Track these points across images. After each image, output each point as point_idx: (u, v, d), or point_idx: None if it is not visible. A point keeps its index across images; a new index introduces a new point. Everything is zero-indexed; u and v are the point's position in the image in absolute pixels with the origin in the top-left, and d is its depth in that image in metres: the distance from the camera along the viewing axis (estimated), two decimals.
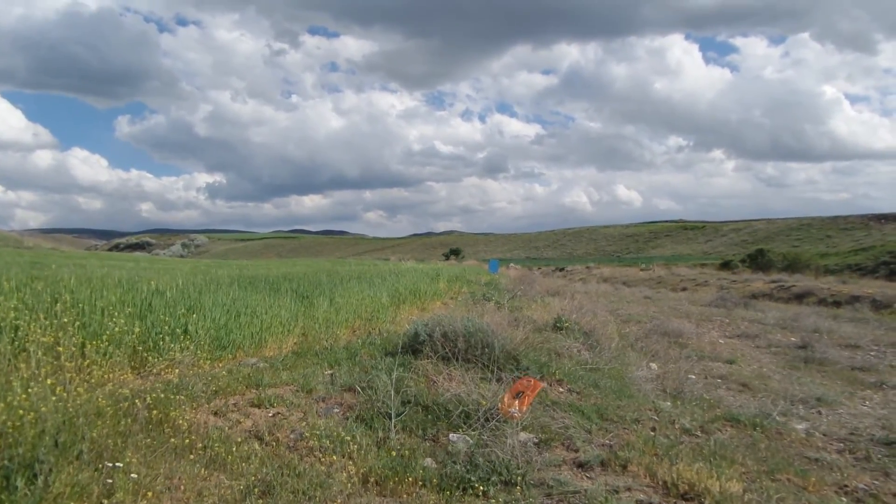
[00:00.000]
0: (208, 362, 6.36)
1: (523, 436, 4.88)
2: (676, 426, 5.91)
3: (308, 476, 3.86)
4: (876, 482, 5.06)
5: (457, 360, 5.99)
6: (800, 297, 30.24)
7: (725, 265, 54.98)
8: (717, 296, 23.74)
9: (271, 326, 7.59)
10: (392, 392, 4.94)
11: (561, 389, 6.21)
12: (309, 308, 9.10)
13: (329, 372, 5.98)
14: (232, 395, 5.37)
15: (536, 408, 5.56)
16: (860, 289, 30.42)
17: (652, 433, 5.56)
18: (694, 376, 9.58)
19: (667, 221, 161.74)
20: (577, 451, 4.87)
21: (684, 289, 39.50)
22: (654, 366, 9.81)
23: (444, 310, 11.98)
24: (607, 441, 5.19)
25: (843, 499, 4.59)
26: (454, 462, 4.28)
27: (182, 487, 3.47)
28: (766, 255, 48.66)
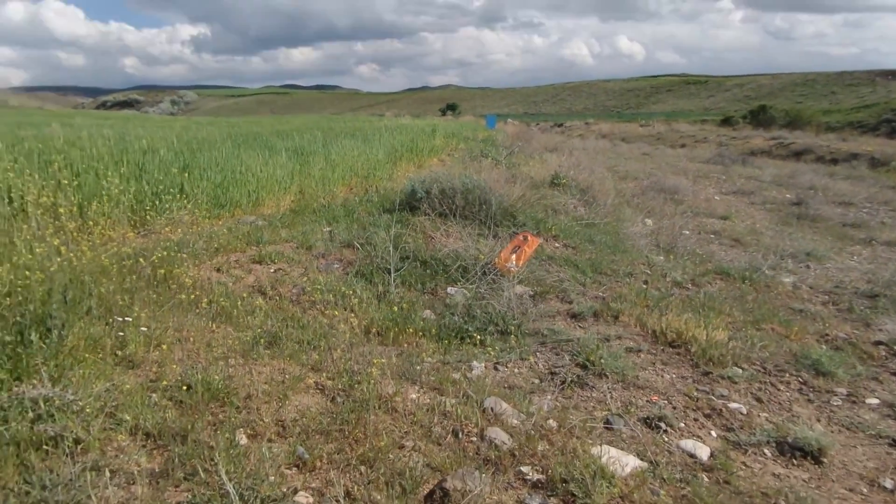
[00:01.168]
0: (207, 221, 6.41)
1: (519, 289, 5.02)
2: (668, 279, 6.08)
3: (312, 327, 4.01)
4: (856, 332, 5.27)
5: (454, 216, 6.03)
6: (798, 155, 30.12)
7: (726, 121, 54.16)
8: (715, 153, 23.61)
9: (268, 185, 7.57)
10: (391, 247, 5.01)
11: (557, 244, 6.31)
12: (305, 166, 9.04)
13: (328, 229, 6.04)
14: (233, 252, 5.45)
15: (532, 262, 5.68)
16: (859, 146, 30.21)
17: (644, 286, 5.72)
18: (688, 232, 9.71)
19: (669, 75, 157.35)
20: (571, 302, 5.04)
21: (683, 145, 39.16)
22: (649, 222, 9.92)
23: (441, 167, 11.92)
24: (600, 293, 5.35)
25: (823, 346, 4.81)
26: (452, 314, 4.44)
27: (191, 339, 3.61)
28: (767, 111, 47.81)
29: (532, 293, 5.03)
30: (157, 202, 6.06)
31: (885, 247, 9.38)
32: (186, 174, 6.81)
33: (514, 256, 5.18)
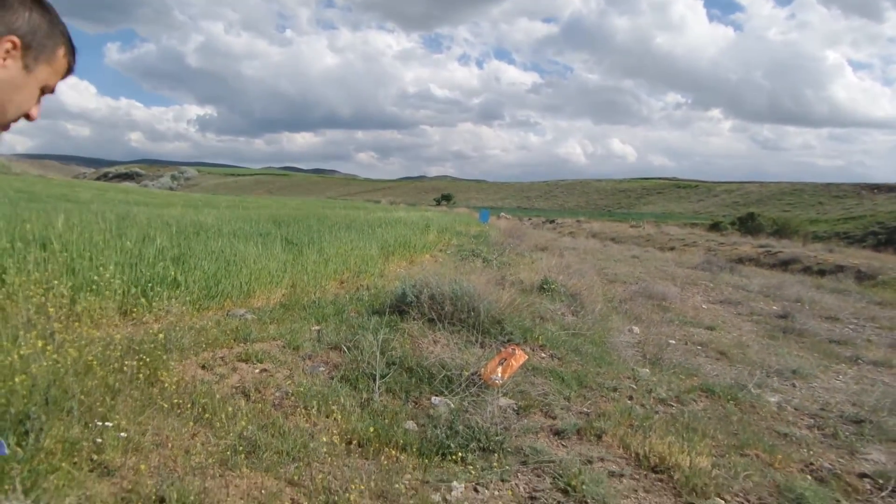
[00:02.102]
0: (197, 313, 6.43)
1: (503, 401, 5.01)
2: (653, 395, 6.07)
3: (292, 436, 3.97)
4: (841, 461, 5.24)
5: (442, 323, 6.08)
6: (786, 264, 30.64)
7: (715, 226, 55.35)
8: (703, 259, 23.98)
9: (260, 277, 7.64)
10: (377, 353, 5.03)
11: (543, 355, 6.34)
12: (298, 257, 9.15)
13: (316, 328, 6.06)
14: (220, 348, 5.45)
15: (518, 373, 5.69)
16: (846, 258, 30.83)
17: (629, 402, 5.72)
18: (674, 341, 9.75)
19: (660, 178, 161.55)
20: (555, 418, 5.02)
21: (672, 248, 39.84)
22: (636, 329, 9.98)
23: (433, 264, 12.06)
24: (585, 409, 5.34)
25: (808, 477, 4.76)
26: (435, 426, 4.40)
27: (170, 445, 3.57)
28: (755, 218, 48.96)
29: (516, 406, 5.02)
30: (150, 292, 6.10)
31: (871, 366, 9.41)
32: (181, 263, 6.89)
33: (500, 369, 5.19)
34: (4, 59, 1.19)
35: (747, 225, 48.47)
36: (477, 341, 5.85)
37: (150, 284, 6.17)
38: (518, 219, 67.46)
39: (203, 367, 4.97)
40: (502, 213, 72.31)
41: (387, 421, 4.39)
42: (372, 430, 4.18)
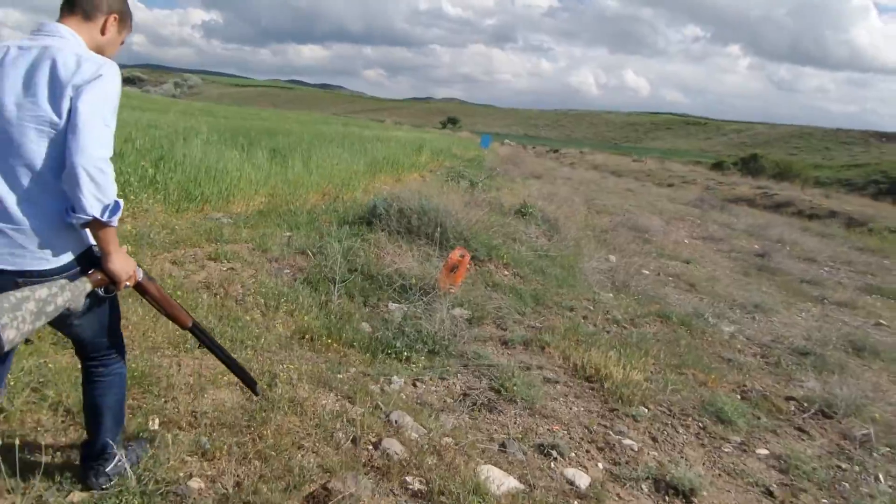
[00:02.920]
0: (175, 213, 6.63)
1: (457, 311, 5.28)
2: (608, 317, 6.35)
3: (248, 328, 4.24)
4: (776, 386, 5.54)
5: (410, 235, 6.30)
6: (780, 206, 30.64)
7: (717, 166, 55.02)
8: (697, 196, 24.07)
9: (240, 183, 7.81)
10: (339, 259, 5.26)
11: (506, 273, 6.59)
12: (282, 168, 9.29)
13: (287, 234, 6.28)
14: (192, 247, 5.68)
15: (477, 287, 5.95)
16: (841, 205, 30.82)
17: (582, 321, 6.00)
18: (648, 272, 9.97)
19: (671, 114, 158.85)
20: (505, 329, 5.30)
21: (671, 185, 39.69)
22: (612, 258, 10.19)
23: (419, 183, 12.19)
24: (536, 324, 5.62)
25: (737, 397, 5.07)
26: (387, 329, 4.68)
27: (131, 327, 3.83)
28: (758, 160, 48.64)
29: (469, 317, 5.29)
30: (126, 189, 6.27)
31: (834, 306, 9.67)
32: (160, 165, 7.05)
33: (452, 275, 5.44)
34: (109, 28, 2.07)
35: (749, 166, 48.20)
36: (440, 255, 6.08)
37: (126, 184, 6.34)
38: (522, 146, 66.77)
39: (173, 263, 5.21)
40: (506, 140, 71.54)
41: (341, 321, 4.66)
42: (324, 327, 4.45)
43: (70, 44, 1.93)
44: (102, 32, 2.07)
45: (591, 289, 7.31)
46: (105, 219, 1.84)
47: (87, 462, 2.42)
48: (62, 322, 2.04)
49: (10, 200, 1.84)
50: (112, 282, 2.03)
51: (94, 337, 2.24)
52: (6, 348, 1.74)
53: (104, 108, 1.86)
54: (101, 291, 2.04)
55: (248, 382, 2.66)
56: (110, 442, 2.37)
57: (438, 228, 6.31)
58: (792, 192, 34.70)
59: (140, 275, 2.15)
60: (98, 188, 1.79)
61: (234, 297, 4.77)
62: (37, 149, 1.83)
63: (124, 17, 2.14)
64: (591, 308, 6.49)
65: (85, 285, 1.97)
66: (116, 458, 2.39)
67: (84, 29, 2.01)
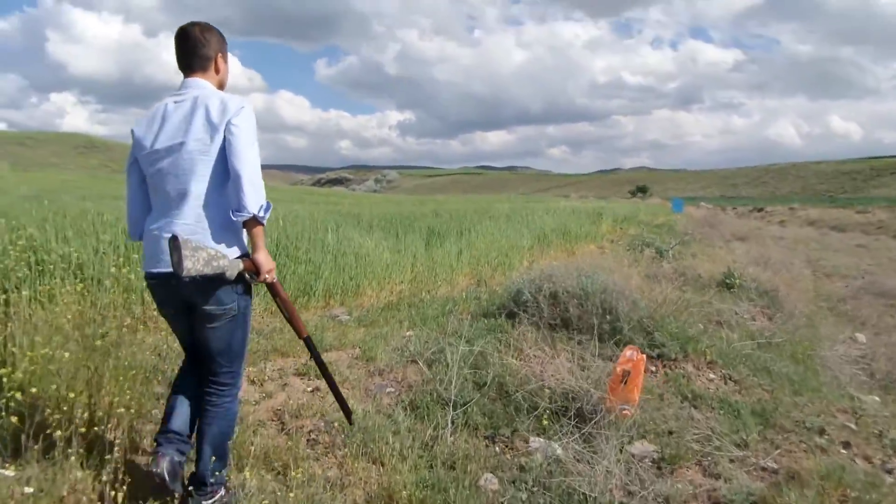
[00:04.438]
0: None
1: (637, 447, 3.46)
2: (885, 441, 4.11)
3: (312, 487, 2.81)
4: None
5: (567, 329, 4.61)
6: None
7: None
8: None
9: (372, 270, 6.65)
10: (455, 370, 3.71)
11: (712, 376, 4.59)
12: (430, 249, 8.09)
13: (408, 333, 4.89)
14: (287, 356, 4.48)
15: (669, 403, 4.06)
16: None
17: (842, 452, 3.85)
18: None
19: (894, 157, 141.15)
20: (717, 477, 3.36)
21: None
22: (861, 338, 7.61)
23: (596, 255, 10.41)
24: (769, 463, 3.59)
25: None
26: (522, 486, 3.01)
27: None
28: None
29: (657, 456, 3.44)
30: None
31: None
32: (277, 256, 6.09)
33: (622, 388, 3.64)
34: (220, 66, 2.58)
35: None
36: (612, 356, 4.31)
37: None
38: (720, 208, 61.77)
39: (251, 382, 4.00)
40: (701, 203, 66.93)
41: (452, 474, 3.07)
42: (423, 484, 2.89)
43: (210, 91, 2.46)
44: (217, 72, 2.57)
45: (844, 391, 5.03)
46: (261, 215, 2.31)
47: (191, 486, 2.54)
48: (202, 324, 2.45)
49: (190, 214, 2.35)
50: (256, 271, 2.39)
51: (220, 352, 2.52)
52: (184, 273, 2.12)
53: (249, 133, 2.35)
54: (247, 276, 2.40)
55: (346, 410, 3.01)
56: (208, 474, 2.48)
57: (607, 316, 4.55)
58: None
59: (276, 277, 2.52)
60: (255, 191, 2.27)
61: (308, 435, 3.40)
62: (204, 172, 2.34)
63: (224, 49, 2.61)
64: (854, 426, 4.26)
65: (239, 263, 2.34)
66: (218, 495, 2.55)
67: (207, 77, 2.53)
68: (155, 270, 2.39)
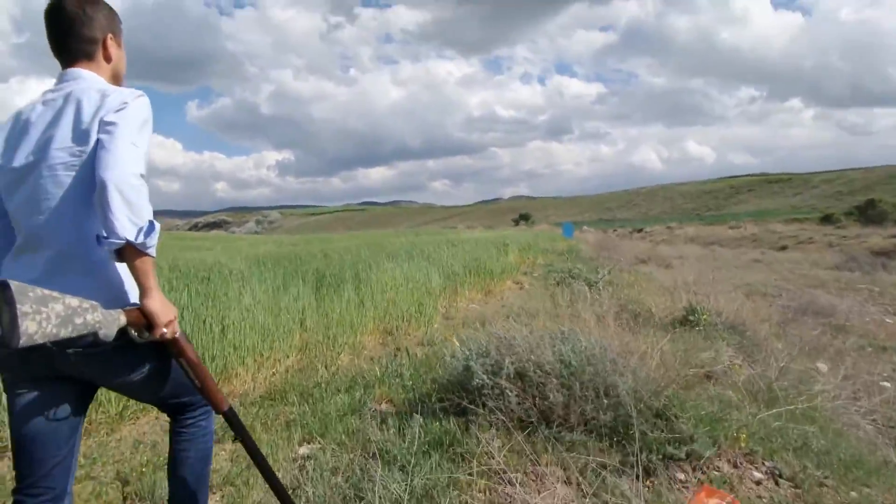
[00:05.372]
0: (117, 419, 3.62)
1: None
2: None
3: None
4: None
5: (548, 426, 3.01)
6: None
7: (826, 219, 49.71)
8: (843, 257, 19.83)
9: (247, 339, 4.80)
10: None
11: (757, 475, 3.15)
12: (322, 302, 6.31)
13: (303, 451, 3.12)
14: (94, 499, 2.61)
15: None
16: None
17: None
18: (889, 384, 6.40)
19: (748, 175, 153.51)
20: None
21: (784, 247, 35.18)
22: (821, 367, 6.64)
23: (517, 293, 9.00)
24: None
25: None
26: None
27: None
28: (876, 205, 43.10)
29: None
30: None
31: None
32: None
33: None
34: (111, 50, 1.94)
35: (867, 214, 42.84)
36: (631, 469, 2.75)
37: None
38: (602, 231, 63.51)
39: None
40: (584, 227, 68.73)
41: None
42: None
43: (91, 82, 1.85)
44: (107, 59, 1.96)
45: (888, 461, 3.78)
46: (139, 241, 1.63)
47: None
48: (123, 383, 1.84)
49: (54, 259, 1.72)
50: (148, 325, 1.71)
51: (165, 397, 1.97)
52: (21, 342, 1.43)
53: (130, 130, 1.70)
54: (133, 334, 1.72)
55: (283, 498, 2.14)
56: None
57: (604, 400, 3.00)
58: None
59: (178, 330, 1.81)
60: (130, 207, 1.61)
61: None
62: (71, 194, 1.71)
63: (116, 29, 1.99)
64: None
65: (119, 317, 1.67)
66: None
67: (93, 67, 1.91)
68: None
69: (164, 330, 1.74)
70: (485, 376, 3.17)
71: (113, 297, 1.73)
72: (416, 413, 3.33)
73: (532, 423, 3.05)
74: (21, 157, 1.76)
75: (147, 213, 1.65)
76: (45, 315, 1.48)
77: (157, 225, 1.68)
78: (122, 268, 1.74)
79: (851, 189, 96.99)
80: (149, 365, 1.82)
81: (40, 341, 1.48)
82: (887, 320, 10.38)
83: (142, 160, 1.70)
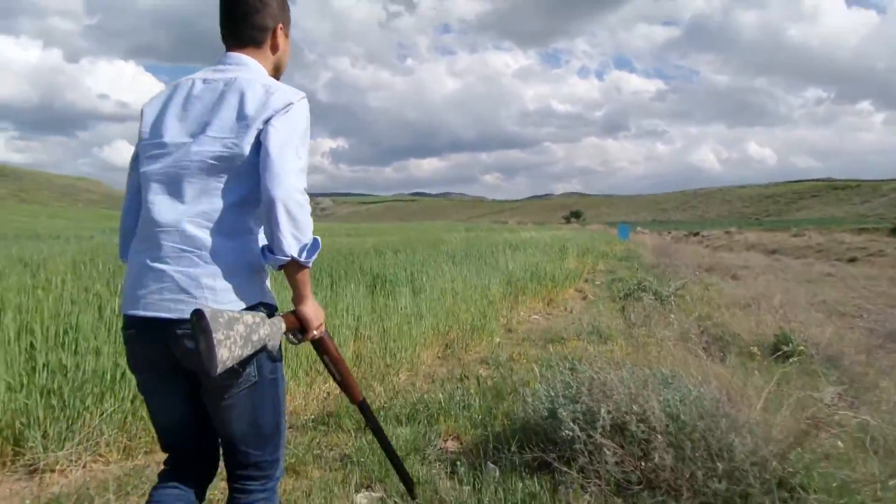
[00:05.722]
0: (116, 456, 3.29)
1: None
2: None
3: None
4: None
5: (652, 491, 2.53)
6: None
7: None
8: None
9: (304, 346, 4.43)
10: None
11: None
12: (378, 308, 5.92)
13: (361, 500, 2.71)
14: None
15: None
16: None
17: None
18: None
19: (812, 180, 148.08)
20: None
21: (853, 259, 33.39)
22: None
23: (582, 305, 8.47)
24: None
25: None
26: None
27: None
28: None
29: None
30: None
31: None
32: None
33: None
34: (279, 41, 1.90)
35: None
36: None
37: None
38: (657, 233, 61.89)
39: None
40: (638, 228, 67.28)
41: None
42: None
43: (256, 73, 1.80)
44: (274, 49, 1.91)
45: None
46: (304, 259, 1.65)
47: None
48: (209, 399, 1.72)
49: (183, 241, 1.65)
50: (302, 328, 1.79)
51: (243, 436, 1.75)
52: (218, 370, 1.49)
53: (295, 140, 1.67)
54: (290, 337, 1.80)
55: (407, 482, 2.45)
56: None
57: (718, 464, 2.48)
58: None
59: (325, 330, 1.93)
60: (296, 225, 1.61)
61: None
62: (220, 185, 1.67)
63: (287, 19, 1.95)
64: None
65: (281, 324, 1.71)
66: None
67: (259, 55, 1.87)
68: (135, 313, 1.66)
69: (316, 332, 1.83)
70: (576, 427, 2.69)
71: (258, 298, 1.74)
72: (490, 461, 2.88)
73: (632, 485, 2.58)
74: (175, 133, 1.72)
75: (310, 230, 1.66)
76: (233, 339, 1.50)
77: (320, 241, 1.70)
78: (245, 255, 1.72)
79: None
80: (251, 369, 1.70)
81: (230, 364, 1.52)
82: None
83: (304, 173, 1.68)
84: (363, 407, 2.17)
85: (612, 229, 46.72)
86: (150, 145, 1.75)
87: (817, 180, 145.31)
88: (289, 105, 1.69)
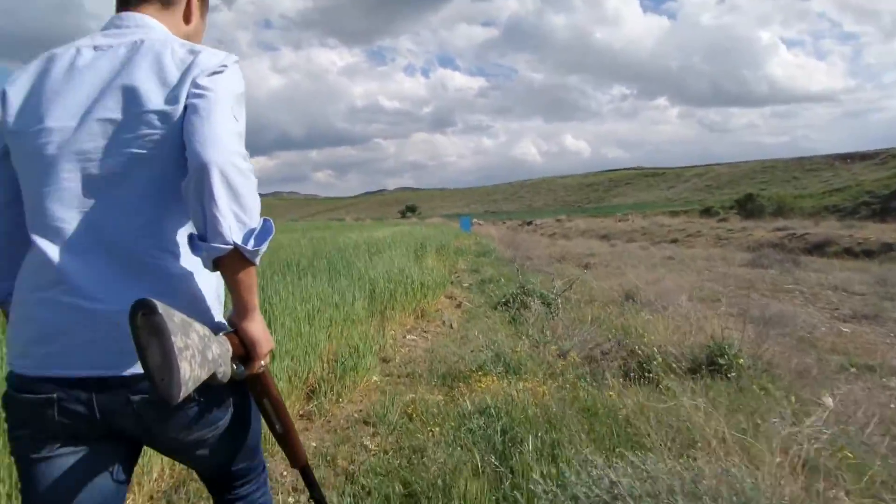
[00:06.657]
0: None
1: None
2: None
3: None
4: None
5: None
6: (819, 248, 26.54)
7: (706, 212, 51.80)
8: (754, 253, 19.65)
9: None
10: None
11: None
12: None
13: None
14: None
15: None
16: (878, 233, 27.11)
17: None
18: None
19: (626, 169, 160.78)
20: None
21: (675, 240, 35.67)
22: (827, 400, 5.43)
23: (459, 317, 7.27)
24: None
25: None
26: None
27: None
28: (755, 199, 45.09)
29: None
30: None
31: None
32: None
33: None
34: (194, 13, 1.44)
35: (747, 207, 44.77)
36: None
37: None
38: (492, 223, 63.20)
39: None
40: (474, 219, 68.51)
41: None
42: None
43: (168, 36, 1.32)
44: (187, 20, 1.44)
45: None
46: (251, 248, 1.14)
47: None
48: (190, 442, 1.26)
49: (104, 268, 1.17)
50: (247, 355, 1.23)
51: (223, 464, 1.40)
52: (181, 394, 0.99)
53: (231, 100, 1.22)
54: (234, 366, 1.21)
55: None
56: None
57: None
58: (817, 230, 30.93)
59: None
60: (237, 200, 1.12)
61: None
62: (144, 174, 1.19)
63: (206, 4, 1.53)
64: None
65: (227, 345, 1.18)
66: None
67: (165, 18, 1.38)
68: (45, 374, 1.16)
69: (262, 364, 1.30)
70: None
71: (197, 317, 1.17)
72: None
73: None
74: (63, 115, 1.20)
75: (257, 210, 1.18)
76: (192, 351, 1.02)
77: (272, 224, 1.21)
78: (201, 276, 1.25)
79: (719, 183, 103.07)
80: (230, 413, 1.29)
81: (192, 386, 1.03)
82: (844, 329, 9.53)
83: (243, 138, 1.24)
84: (306, 472, 1.55)
85: (452, 222, 46.67)
86: (30, 135, 1.21)
87: (628, 169, 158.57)
88: (222, 66, 1.24)
